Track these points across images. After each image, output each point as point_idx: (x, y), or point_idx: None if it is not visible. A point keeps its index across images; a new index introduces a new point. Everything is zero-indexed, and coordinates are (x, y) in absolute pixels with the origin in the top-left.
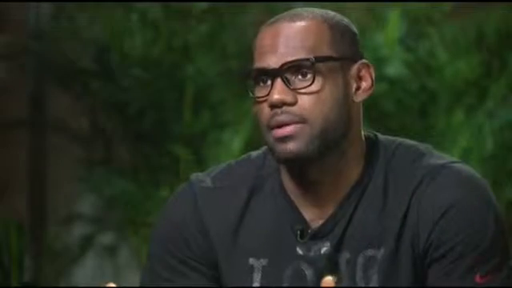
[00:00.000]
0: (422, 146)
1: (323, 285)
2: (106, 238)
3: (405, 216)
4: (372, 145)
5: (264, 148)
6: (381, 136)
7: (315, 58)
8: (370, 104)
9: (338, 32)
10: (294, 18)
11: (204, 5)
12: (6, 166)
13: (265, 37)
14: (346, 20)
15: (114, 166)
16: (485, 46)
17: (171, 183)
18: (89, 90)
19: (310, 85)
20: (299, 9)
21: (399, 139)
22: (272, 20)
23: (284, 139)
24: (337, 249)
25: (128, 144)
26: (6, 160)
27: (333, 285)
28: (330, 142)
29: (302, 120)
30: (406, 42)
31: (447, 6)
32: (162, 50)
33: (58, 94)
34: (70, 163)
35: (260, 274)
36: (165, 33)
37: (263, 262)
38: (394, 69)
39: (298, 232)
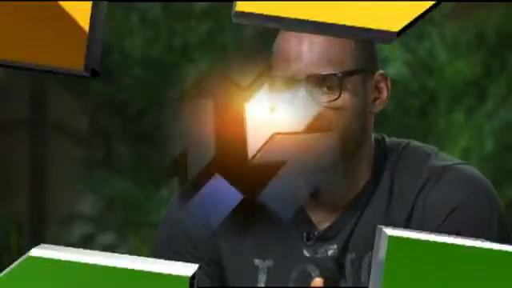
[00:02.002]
0: (428, 148)
1: (312, 285)
2: (106, 238)
3: (409, 217)
4: (380, 148)
5: None
6: (388, 138)
7: (342, 73)
8: None
9: (360, 42)
10: None
11: (204, 5)
12: (6, 166)
13: (289, 41)
14: None
15: (114, 166)
16: (485, 46)
17: (171, 183)
18: (89, 90)
19: (335, 99)
20: None
21: (406, 141)
22: None
23: None
24: (343, 251)
25: (128, 144)
26: (5, 160)
27: (321, 285)
28: (346, 152)
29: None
30: (406, 42)
31: (447, 6)
32: (162, 50)
33: (58, 94)
34: (70, 163)
35: (265, 275)
36: (165, 33)
37: (269, 263)
38: (394, 69)
39: (305, 234)
